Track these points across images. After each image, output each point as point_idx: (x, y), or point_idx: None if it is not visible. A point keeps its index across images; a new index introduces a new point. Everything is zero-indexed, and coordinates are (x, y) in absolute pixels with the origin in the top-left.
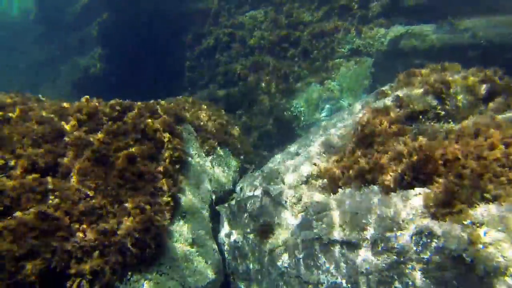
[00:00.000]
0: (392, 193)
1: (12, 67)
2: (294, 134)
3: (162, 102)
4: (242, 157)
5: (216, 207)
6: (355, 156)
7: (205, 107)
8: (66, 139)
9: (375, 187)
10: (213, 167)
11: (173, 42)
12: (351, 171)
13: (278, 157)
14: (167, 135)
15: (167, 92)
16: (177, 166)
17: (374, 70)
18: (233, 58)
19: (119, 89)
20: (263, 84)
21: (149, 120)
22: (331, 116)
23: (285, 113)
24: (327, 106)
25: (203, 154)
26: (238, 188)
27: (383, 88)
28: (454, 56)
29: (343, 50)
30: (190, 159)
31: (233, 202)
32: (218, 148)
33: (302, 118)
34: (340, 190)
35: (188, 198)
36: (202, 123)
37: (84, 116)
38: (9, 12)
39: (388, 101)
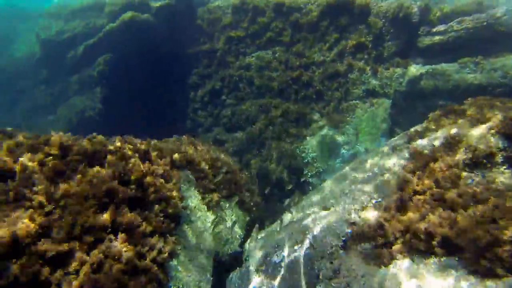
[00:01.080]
0: None
1: (9, 108)
2: (306, 183)
3: (155, 141)
4: (250, 210)
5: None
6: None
7: (209, 149)
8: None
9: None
10: (216, 224)
11: (177, 83)
12: (406, 236)
13: (296, 214)
14: (160, 182)
15: (169, 136)
16: (172, 225)
17: (392, 112)
18: (240, 100)
19: (118, 132)
20: (272, 128)
21: (136, 162)
22: (351, 163)
23: (296, 159)
24: (343, 151)
25: (205, 208)
26: (245, 250)
27: (415, 129)
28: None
29: (358, 91)
30: (188, 213)
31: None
32: (223, 200)
33: (315, 165)
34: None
35: (182, 274)
36: (205, 169)
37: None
38: (15, 54)
39: (433, 141)
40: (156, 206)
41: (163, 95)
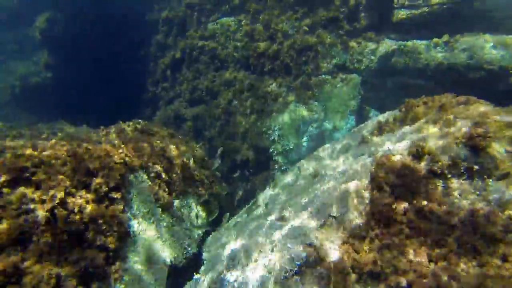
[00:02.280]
0: None
1: None
2: (272, 162)
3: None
4: (211, 204)
5: None
6: (370, 245)
7: (167, 138)
8: None
9: None
10: (172, 226)
11: (135, 54)
12: (365, 267)
13: (255, 220)
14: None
15: (127, 108)
16: (119, 243)
17: (362, 89)
18: (202, 72)
19: (67, 103)
20: (236, 103)
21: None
22: (321, 152)
23: (261, 137)
24: (310, 129)
25: (159, 211)
26: (205, 255)
27: (384, 119)
28: (451, 78)
29: (328, 65)
30: (136, 225)
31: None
32: (179, 198)
33: (281, 143)
34: None
35: None
36: (157, 168)
37: None
38: None
39: (400, 147)
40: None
41: (120, 64)
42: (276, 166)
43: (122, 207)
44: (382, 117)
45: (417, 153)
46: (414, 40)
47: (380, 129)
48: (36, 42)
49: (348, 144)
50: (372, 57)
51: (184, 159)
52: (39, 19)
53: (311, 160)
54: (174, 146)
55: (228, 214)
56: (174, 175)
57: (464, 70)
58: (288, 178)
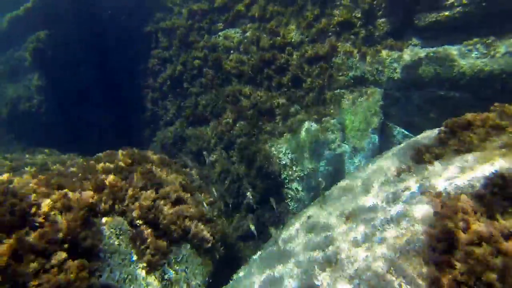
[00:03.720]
0: None
1: None
2: (283, 191)
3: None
4: (212, 253)
5: None
6: None
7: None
8: None
9: None
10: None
11: (133, 69)
12: None
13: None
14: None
15: (126, 129)
16: None
17: (384, 104)
18: (205, 87)
19: (60, 129)
20: (242, 122)
21: None
22: (344, 186)
23: (270, 161)
24: (326, 151)
25: (143, 271)
26: None
27: (425, 142)
28: (492, 87)
29: (344, 78)
30: None
31: None
32: (173, 251)
33: (294, 169)
34: None
35: None
36: (148, 206)
37: None
38: None
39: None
40: None
41: (117, 83)
42: (290, 195)
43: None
44: (420, 139)
45: (500, 191)
46: (445, 46)
47: (423, 155)
48: (27, 65)
49: (384, 174)
50: (395, 67)
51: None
52: (29, 40)
53: (341, 194)
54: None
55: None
56: (164, 219)
57: (509, 78)
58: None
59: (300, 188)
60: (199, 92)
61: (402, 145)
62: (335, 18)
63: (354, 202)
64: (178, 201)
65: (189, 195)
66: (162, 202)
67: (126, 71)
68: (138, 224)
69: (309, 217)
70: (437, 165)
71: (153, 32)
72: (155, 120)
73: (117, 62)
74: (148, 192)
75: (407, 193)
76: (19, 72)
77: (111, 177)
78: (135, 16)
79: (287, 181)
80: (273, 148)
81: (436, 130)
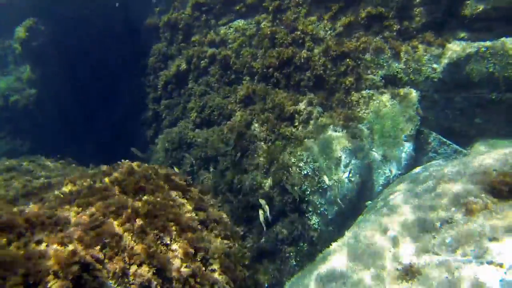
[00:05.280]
0: None
1: None
2: (305, 204)
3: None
4: None
5: None
6: None
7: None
8: None
9: None
10: None
11: (132, 65)
12: None
13: None
14: None
15: (126, 130)
16: None
17: (421, 108)
18: (212, 87)
19: (55, 126)
20: (256, 126)
21: None
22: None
23: (290, 170)
24: (353, 160)
25: None
26: None
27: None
28: None
29: (373, 77)
30: None
31: None
32: None
33: (316, 179)
34: None
35: None
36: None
37: None
38: None
39: None
40: None
41: (116, 78)
42: (311, 209)
43: None
44: (488, 161)
45: None
46: (503, 38)
47: (500, 186)
48: (17, 55)
49: (446, 208)
50: (435, 65)
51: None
52: (19, 29)
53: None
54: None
55: None
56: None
57: None
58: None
59: (322, 201)
60: (206, 91)
61: (456, 162)
62: (364, 9)
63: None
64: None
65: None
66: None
67: (124, 67)
68: None
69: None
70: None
71: (154, 25)
72: (157, 120)
73: (115, 57)
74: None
75: (498, 258)
76: (8, 63)
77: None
78: (134, 7)
79: (308, 193)
80: (292, 156)
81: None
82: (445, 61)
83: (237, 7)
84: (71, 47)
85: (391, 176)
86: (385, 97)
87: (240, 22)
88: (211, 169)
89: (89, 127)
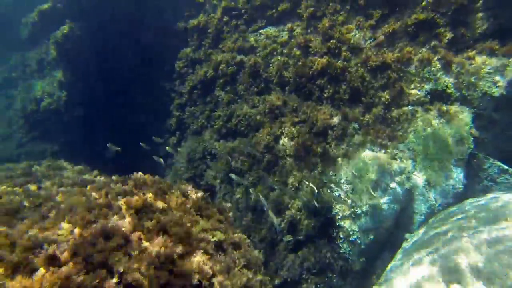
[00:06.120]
0: None
1: None
2: (335, 228)
3: None
4: None
5: None
6: None
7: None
8: None
9: None
10: None
11: (159, 69)
12: None
13: None
14: None
15: (146, 137)
16: None
17: (475, 128)
18: (241, 95)
19: (80, 131)
20: (285, 141)
21: None
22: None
23: (320, 191)
24: (392, 184)
25: None
26: None
27: None
28: None
29: (417, 92)
30: None
31: None
32: None
33: (349, 203)
34: None
35: None
36: None
37: None
38: None
39: None
40: None
41: (141, 83)
42: (342, 235)
43: None
44: None
45: None
46: None
47: None
48: (52, 59)
49: None
50: (497, 79)
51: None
52: (55, 33)
53: None
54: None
55: None
56: None
57: None
58: None
59: (355, 228)
60: (233, 100)
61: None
62: (411, 16)
63: None
64: None
65: None
66: None
67: (150, 72)
68: None
69: None
70: None
71: (183, 29)
72: (181, 128)
73: (141, 61)
74: None
75: None
76: (45, 68)
77: None
78: (162, 11)
79: (339, 217)
80: (323, 176)
81: None
82: (510, 74)
83: (269, 13)
84: (100, 51)
85: (436, 205)
86: (431, 115)
87: (271, 29)
88: (234, 184)
89: (112, 130)
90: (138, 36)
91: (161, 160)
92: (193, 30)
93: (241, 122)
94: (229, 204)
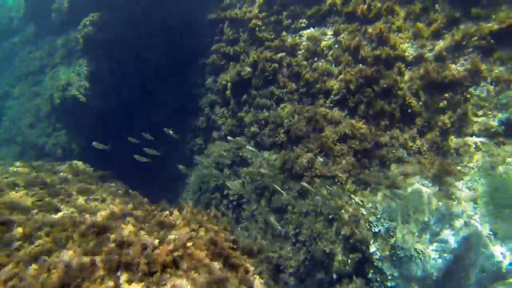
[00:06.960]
0: None
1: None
2: (369, 270)
3: None
4: None
5: None
6: None
7: None
8: None
9: None
10: None
11: (190, 63)
12: None
13: None
14: None
15: (164, 134)
16: None
17: None
18: (278, 99)
19: (105, 122)
20: (320, 160)
21: None
22: None
23: (358, 223)
24: (446, 230)
25: None
26: None
27: None
28: None
29: (487, 120)
30: None
31: None
32: None
33: (391, 241)
34: None
35: None
36: None
37: None
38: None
39: None
40: None
41: (169, 78)
42: (378, 279)
43: None
44: None
45: None
46: None
47: None
48: (78, 49)
49: None
50: None
51: None
52: (83, 22)
53: None
54: None
55: None
56: None
57: None
58: None
59: (395, 274)
60: (269, 104)
61: None
62: (487, 24)
63: None
64: None
65: None
66: None
67: (177, 66)
68: None
69: None
70: None
71: (218, 21)
72: (208, 129)
73: (173, 52)
74: None
75: None
76: (72, 56)
77: None
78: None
79: (377, 257)
80: (361, 207)
81: None
82: None
83: (311, 11)
84: (126, 43)
85: (506, 265)
86: (505, 150)
87: (313, 31)
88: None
89: (137, 125)
90: (170, 29)
91: (185, 169)
92: (228, 22)
93: (275, 130)
94: None
